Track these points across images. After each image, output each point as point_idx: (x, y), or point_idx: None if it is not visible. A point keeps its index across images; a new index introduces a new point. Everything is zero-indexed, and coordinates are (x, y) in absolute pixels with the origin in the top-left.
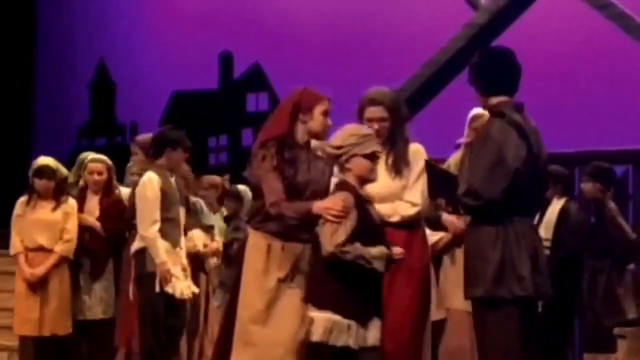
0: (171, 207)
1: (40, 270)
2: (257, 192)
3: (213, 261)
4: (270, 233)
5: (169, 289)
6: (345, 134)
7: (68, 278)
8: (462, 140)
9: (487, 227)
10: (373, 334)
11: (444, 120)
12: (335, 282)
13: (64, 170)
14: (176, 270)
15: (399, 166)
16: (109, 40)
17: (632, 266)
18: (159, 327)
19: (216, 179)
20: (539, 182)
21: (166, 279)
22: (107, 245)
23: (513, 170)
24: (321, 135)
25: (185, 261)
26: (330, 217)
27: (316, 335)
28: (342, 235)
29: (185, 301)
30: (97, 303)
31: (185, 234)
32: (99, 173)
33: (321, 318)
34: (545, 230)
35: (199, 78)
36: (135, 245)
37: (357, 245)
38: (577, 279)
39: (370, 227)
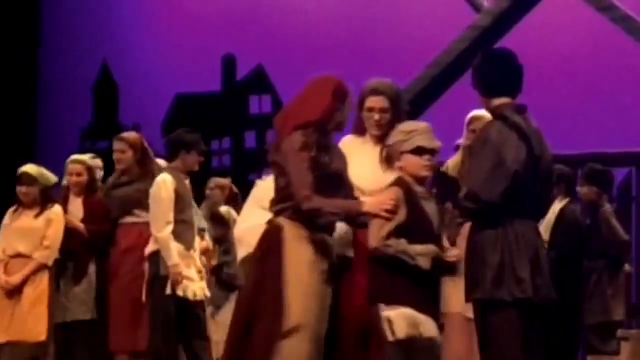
0: (185, 210)
1: (16, 278)
2: (283, 176)
3: (203, 260)
4: (307, 224)
5: (179, 292)
6: (395, 131)
7: (46, 285)
8: (461, 142)
9: (488, 230)
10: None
11: (447, 122)
12: (399, 278)
13: (50, 177)
14: (190, 273)
15: (391, 160)
16: (112, 42)
17: (628, 267)
18: (170, 331)
19: (223, 181)
20: (542, 184)
21: (177, 281)
22: (90, 247)
23: (512, 173)
24: (341, 128)
25: (200, 263)
26: (383, 214)
27: (402, 332)
28: (386, 230)
29: (200, 302)
30: (77, 305)
31: None
32: (78, 174)
33: (400, 314)
34: (545, 231)
35: (202, 80)
36: (150, 248)
37: (402, 241)
38: (575, 280)
39: (421, 225)
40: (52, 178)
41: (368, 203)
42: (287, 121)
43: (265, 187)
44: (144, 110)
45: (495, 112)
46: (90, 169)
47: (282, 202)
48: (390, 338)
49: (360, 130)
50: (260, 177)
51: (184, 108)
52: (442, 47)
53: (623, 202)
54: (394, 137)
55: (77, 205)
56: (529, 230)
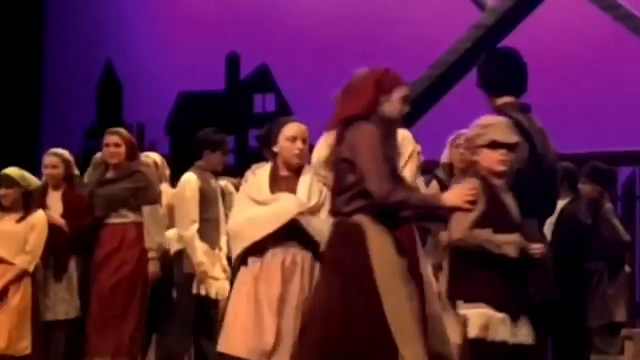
0: (210, 209)
1: None
2: (352, 172)
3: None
4: (386, 220)
5: (202, 291)
6: (472, 126)
7: (29, 295)
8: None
9: None
10: (526, 331)
11: (451, 122)
12: (480, 272)
13: (32, 181)
14: (215, 271)
15: None
16: (117, 41)
17: (627, 268)
18: (188, 330)
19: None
20: (546, 183)
21: (203, 279)
22: (72, 243)
23: (515, 172)
24: (397, 122)
25: (225, 262)
26: (465, 205)
27: (473, 331)
28: (469, 220)
29: (217, 302)
30: (57, 304)
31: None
32: (54, 167)
33: (475, 314)
34: (547, 230)
35: (206, 79)
36: (175, 247)
37: (487, 230)
38: (576, 281)
39: (501, 215)
40: (34, 182)
41: (448, 196)
42: (335, 117)
43: (254, 180)
44: (148, 109)
45: (499, 112)
46: (67, 162)
47: (355, 199)
48: (456, 339)
49: None
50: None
51: (187, 107)
52: (445, 47)
53: (627, 202)
54: (471, 132)
55: (55, 199)
56: (532, 229)
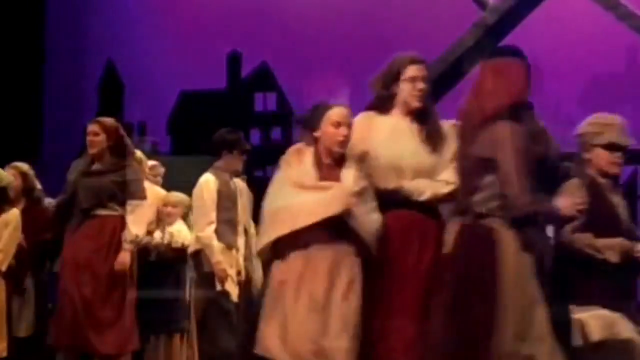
0: (228, 209)
1: None
2: (489, 172)
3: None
4: (521, 226)
5: (227, 288)
6: (587, 122)
7: (4, 296)
8: None
9: None
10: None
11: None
12: (586, 276)
13: (4, 176)
14: (232, 272)
15: (435, 141)
16: (118, 40)
17: None
18: (231, 324)
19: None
20: (548, 182)
21: (222, 277)
22: (31, 259)
23: None
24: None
25: (242, 263)
26: (577, 214)
27: (596, 334)
28: (570, 225)
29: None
30: (16, 320)
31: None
32: None
33: (593, 316)
34: (550, 230)
35: (207, 78)
36: (192, 247)
37: (587, 235)
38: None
39: (605, 218)
40: (6, 177)
41: (562, 203)
42: (479, 110)
43: (302, 166)
44: (149, 107)
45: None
46: (23, 175)
47: (492, 200)
48: (580, 341)
49: (382, 107)
50: (264, 173)
51: (188, 105)
52: (446, 45)
53: (627, 201)
54: (585, 128)
55: None
56: (534, 229)
